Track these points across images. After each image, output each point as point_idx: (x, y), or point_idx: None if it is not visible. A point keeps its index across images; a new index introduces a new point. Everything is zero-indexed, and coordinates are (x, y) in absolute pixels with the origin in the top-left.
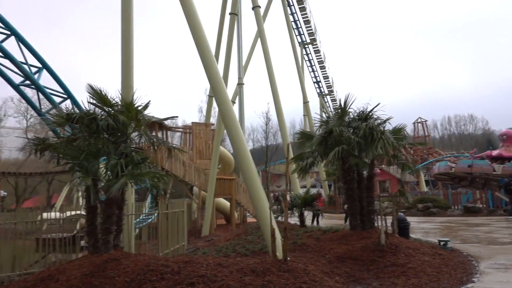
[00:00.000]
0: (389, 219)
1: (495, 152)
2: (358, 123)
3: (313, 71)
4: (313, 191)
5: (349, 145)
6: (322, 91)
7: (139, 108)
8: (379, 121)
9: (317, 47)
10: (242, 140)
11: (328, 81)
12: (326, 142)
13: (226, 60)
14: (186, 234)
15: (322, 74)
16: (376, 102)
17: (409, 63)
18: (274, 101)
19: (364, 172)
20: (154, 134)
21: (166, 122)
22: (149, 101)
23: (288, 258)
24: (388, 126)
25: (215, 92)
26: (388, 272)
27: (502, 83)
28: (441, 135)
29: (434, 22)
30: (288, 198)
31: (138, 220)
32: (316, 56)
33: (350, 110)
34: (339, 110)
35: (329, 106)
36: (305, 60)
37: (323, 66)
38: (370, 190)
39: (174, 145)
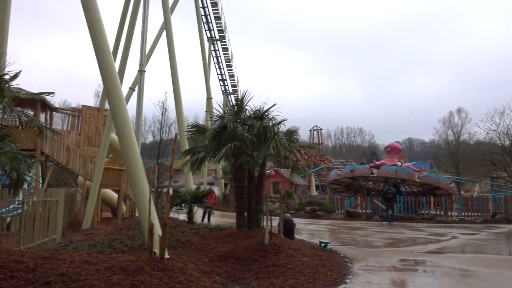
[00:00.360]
0: (277, 220)
1: (379, 162)
2: (253, 121)
3: (219, 68)
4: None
5: (243, 142)
6: (227, 89)
7: (5, 77)
8: (274, 121)
9: (226, 45)
10: (128, 128)
11: (234, 80)
12: (219, 138)
13: (126, 44)
14: (60, 227)
15: (228, 72)
16: (277, 105)
17: (311, 74)
18: (174, 93)
19: (256, 171)
20: (35, 113)
21: (58, 106)
22: (20, 70)
23: (167, 256)
24: (285, 129)
25: (103, 73)
26: (268, 272)
27: (387, 103)
28: (334, 144)
29: (337, 38)
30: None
31: (6, 209)
32: (224, 53)
33: (247, 108)
34: (235, 107)
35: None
36: (213, 57)
37: (230, 64)
38: (260, 189)
39: (46, 125)
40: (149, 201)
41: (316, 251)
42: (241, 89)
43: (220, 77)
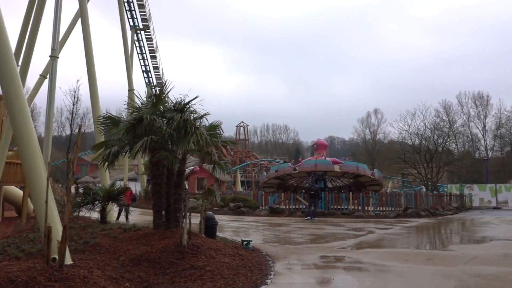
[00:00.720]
0: (200, 218)
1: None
2: (173, 114)
3: (143, 59)
4: (131, 185)
5: (161, 136)
6: (151, 81)
7: None
8: (196, 115)
9: (150, 35)
10: (24, 115)
11: (158, 72)
12: (135, 131)
13: (35, 24)
14: None
15: (153, 64)
16: (200, 98)
17: (237, 70)
18: (89, 82)
19: (176, 167)
20: None
21: None
22: None
23: (70, 262)
24: (207, 123)
25: None
26: (185, 276)
27: (310, 102)
28: (260, 141)
29: (263, 36)
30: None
31: None
32: (148, 44)
33: (167, 99)
34: (154, 97)
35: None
36: (136, 47)
37: (155, 56)
38: (179, 186)
39: None
40: (46, 201)
41: (237, 250)
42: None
43: (143, 68)
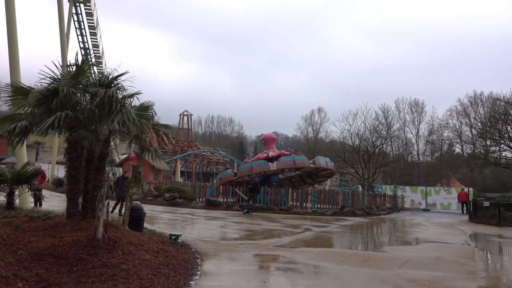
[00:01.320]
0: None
1: (263, 155)
2: (97, 88)
3: (81, 35)
4: (62, 169)
5: (81, 113)
6: (90, 60)
7: None
8: (125, 93)
9: (91, 9)
10: None
11: (98, 50)
12: (48, 104)
13: None
14: None
15: (92, 41)
16: (131, 74)
17: (183, 59)
18: (9, 54)
19: (98, 149)
20: None
21: None
22: None
23: None
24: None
25: None
26: (94, 275)
27: (256, 97)
28: (204, 132)
29: (212, 27)
30: None
31: None
32: (88, 19)
33: (91, 72)
34: (74, 68)
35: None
36: (74, 21)
37: (95, 32)
38: (100, 172)
39: None
40: None
41: (163, 246)
42: (106, 61)
43: (81, 45)
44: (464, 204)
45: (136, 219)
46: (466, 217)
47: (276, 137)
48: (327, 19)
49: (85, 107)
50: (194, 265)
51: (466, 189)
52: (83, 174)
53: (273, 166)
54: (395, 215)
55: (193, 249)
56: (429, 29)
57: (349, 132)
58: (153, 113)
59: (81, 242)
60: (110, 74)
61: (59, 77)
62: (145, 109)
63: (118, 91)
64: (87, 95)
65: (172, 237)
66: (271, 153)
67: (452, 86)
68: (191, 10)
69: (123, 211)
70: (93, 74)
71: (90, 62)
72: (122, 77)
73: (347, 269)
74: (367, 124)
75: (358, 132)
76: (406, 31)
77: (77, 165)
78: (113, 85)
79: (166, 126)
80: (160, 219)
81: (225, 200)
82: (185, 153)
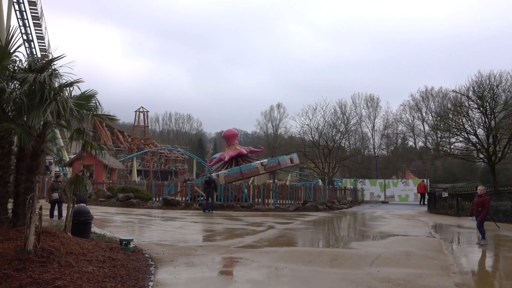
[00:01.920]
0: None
1: (224, 155)
2: (26, 74)
3: (24, 25)
4: None
5: (8, 103)
6: (34, 52)
7: None
8: (63, 81)
9: None
10: None
11: (44, 43)
12: None
13: None
14: None
15: (37, 33)
16: (69, 59)
17: (137, 54)
18: None
19: (31, 146)
20: None
21: None
22: None
23: None
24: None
25: None
26: None
27: (214, 93)
28: (162, 129)
29: (168, 21)
30: None
31: None
32: (31, 9)
33: (19, 55)
34: None
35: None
36: (15, 10)
37: (39, 23)
38: (33, 172)
39: None
40: None
41: (111, 253)
42: (53, 54)
43: (25, 37)
44: (422, 196)
45: (81, 223)
46: (425, 208)
47: (237, 132)
48: (281, 17)
49: (10, 95)
50: (147, 275)
51: (425, 181)
52: (14, 175)
53: (262, 169)
54: (356, 208)
55: (146, 255)
56: (380, 29)
57: (308, 126)
58: (97, 103)
59: (8, 255)
60: (42, 59)
61: None
62: (86, 99)
63: (54, 78)
64: (15, 82)
65: (123, 242)
66: (230, 153)
67: (404, 82)
68: (141, 3)
69: (94, 217)
70: (25, 61)
71: (19, 44)
72: (60, 63)
73: (317, 271)
74: (326, 118)
75: (317, 127)
76: (358, 30)
77: (4, 164)
78: (46, 70)
79: (111, 118)
80: (112, 222)
81: (183, 199)
82: (142, 151)
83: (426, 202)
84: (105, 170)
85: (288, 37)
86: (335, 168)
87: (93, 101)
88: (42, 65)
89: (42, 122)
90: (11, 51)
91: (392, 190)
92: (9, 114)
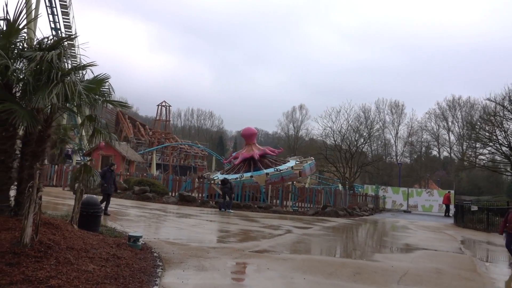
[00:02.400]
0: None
1: (237, 156)
2: (35, 53)
3: (52, 13)
4: None
5: (11, 81)
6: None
7: None
8: (76, 62)
9: None
10: None
11: (70, 32)
12: None
13: None
14: None
15: (64, 21)
16: (84, 41)
17: (161, 49)
18: None
19: (37, 130)
20: None
21: None
22: None
23: None
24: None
25: None
26: None
27: (236, 92)
28: (183, 125)
29: (191, 19)
30: None
31: None
32: None
33: (29, 33)
34: (5, 24)
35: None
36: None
37: (67, 12)
38: (37, 158)
39: None
40: None
41: (117, 251)
42: (79, 44)
43: (52, 25)
44: (447, 207)
45: (90, 216)
46: (451, 221)
47: (256, 131)
48: (304, 18)
49: (11, 73)
50: (152, 277)
51: (451, 192)
52: (18, 160)
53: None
54: (378, 216)
55: (155, 254)
56: (404, 35)
57: (331, 129)
58: (110, 89)
59: (2, 247)
60: (55, 37)
61: None
62: (98, 83)
63: (63, 57)
64: (24, 61)
65: (131, 239)
66: (256, 152)
67: (429, 90)
68: (165, 1)
69: (108, 209)
70: (35, 38)
71: (30, 20)
72: (66, 39)
73: (339, 286)
74: (350, 122)
75: (340, 130)
76: (382, 35)
77: (8, 148)
78: (56, 50)
79: (122, 105)
80: (125, 215)
81: (200, 195)
82: (162, 145)
83: (450, 214)
84: (123, 162)
85: (310, 38)
86: (356, 173)
87: (106, 86)
88: (53, 44)
89: (49, 106)
90: (20, 27)
91: (415, 199)
92: (15, 95)
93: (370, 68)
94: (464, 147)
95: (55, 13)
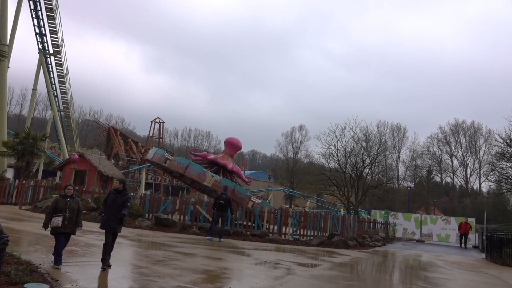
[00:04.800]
0: None
1: (211, 156)
2: None
3: (37, 17)
4: None
5: None
6: (46, 48)
7: None
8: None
9: None
10: None
11: (57, 38)
12: None
13: None
14: None
15: (50, 27)
16: None
17: (158, 70)
18: None
19: None
20: None
21: None
22: None
23: None
24: None
25: None
26: None
27: (231, 114)
28: (181, 145)
29: (185, 40)
30: None
31: None
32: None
33: None
34: None
35: (52, 70)
36: (31, 9)
37: (53, 16)
38: None
39: None
40: None
41: None
42: (66, 52)
43: (37, 30)
44: (464, 237)
45: None
46: (475, 254)
47: (240, 145)
48: (295, 42)
49: None
50: None
51: (470, 220)
52: None
53: (208, 181)
54: (392, 247)
55: None
56: (396, 60)
57: (335, 147)
58: None
59: None
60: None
61: None
62: None
63: None
64: None
65: None
66: (220, 160)
67: (429, 115)
68: (163, 22)
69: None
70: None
71: None
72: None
73: None
74: (355, 138)
75: (345, 149)
76: (374, 60)
77: None
78: None
79: None
80: (73, 245)
81: (182, 218)
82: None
83: (466, 245)
84: (99, 178)
85: (302, 63)
86: (362, 197)
87: None
88: None
89: None
90: None
91: (429, 227)
92: None
93: (363, 93)
94: (469, 173)
95: (40, 17)
